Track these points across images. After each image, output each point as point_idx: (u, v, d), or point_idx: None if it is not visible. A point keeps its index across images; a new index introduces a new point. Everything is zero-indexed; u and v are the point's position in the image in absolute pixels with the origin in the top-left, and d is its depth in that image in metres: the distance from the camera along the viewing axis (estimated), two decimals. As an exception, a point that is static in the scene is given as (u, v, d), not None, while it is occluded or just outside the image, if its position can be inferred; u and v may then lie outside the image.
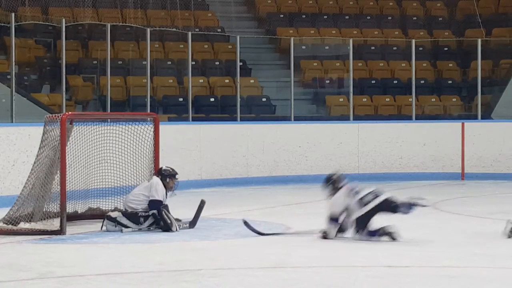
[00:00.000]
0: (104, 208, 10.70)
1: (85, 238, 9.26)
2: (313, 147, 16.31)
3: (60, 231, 9.30)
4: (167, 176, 9.87)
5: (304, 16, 21.82)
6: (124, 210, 9.76)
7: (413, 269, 7.31)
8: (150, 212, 9.56)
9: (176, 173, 9.92)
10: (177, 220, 9.68)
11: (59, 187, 9.54)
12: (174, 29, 18.91)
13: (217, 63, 19.24)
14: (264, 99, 18.40)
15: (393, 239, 8.70)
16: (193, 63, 17.28)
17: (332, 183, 9.25)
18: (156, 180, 9.81)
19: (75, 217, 10.30)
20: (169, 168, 9.96)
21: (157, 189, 9.67)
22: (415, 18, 22.35)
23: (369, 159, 16.46)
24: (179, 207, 10.18)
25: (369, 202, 8.93)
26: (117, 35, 18.70)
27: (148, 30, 15.80)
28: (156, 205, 9.54)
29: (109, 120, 12.13)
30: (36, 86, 17.36)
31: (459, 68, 20.37)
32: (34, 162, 9.89)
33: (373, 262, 7.65)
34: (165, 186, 9.77)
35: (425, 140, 16.74)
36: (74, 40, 18.01)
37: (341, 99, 18.66)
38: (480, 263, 7.63)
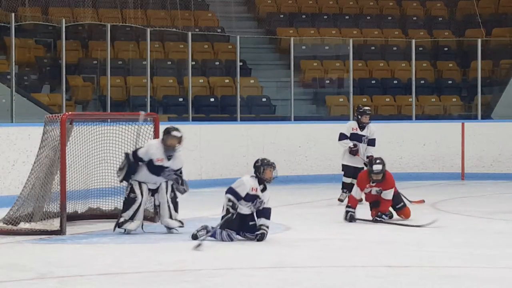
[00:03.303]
0: (104, 208, 10.70)
1: (85, 238, 9.26)
2: (313, 147, 16.30)
3: (60, 231, 9.30)
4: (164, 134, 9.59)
5: (304, 16, 21.82)
6: None
7: (413, 269, 7.31)
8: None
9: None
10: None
11: (59, 187, 9.54)
12: (174, 29, 18.92)
13: (217, 63, 19.24)
14: (264, 99, 18.40)
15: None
16: (193, 63, 17.28)
17: None
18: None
19: (75, 217, 10.29)
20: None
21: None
22: (415, 18, 22.35)
23: (369, 159, 16.45)
24: (180, 207, 10.14)
25: None
26: (117, 35, 18.70)
27: (148, 30, 15.80)
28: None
29: (109, 120, 12.13)
30: (36, 86, 17.36)
31: (459, 68, 20.37)
32: (34, 162, 9.89)
33: (373, 262, 7.65)
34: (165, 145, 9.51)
35: (425, 140, 16.73)
36: (74, 40, 18.01)
37: (341, 99, 18.66)
38: (480, 263, 7.63)
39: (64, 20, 14.30)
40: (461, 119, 17.75)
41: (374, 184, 10.27)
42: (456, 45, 21.14)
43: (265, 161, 9.07)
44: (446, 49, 21.06)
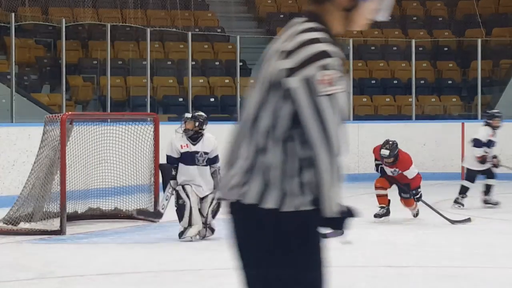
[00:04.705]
0: (104, 208, 10.71)
1: (85, 238, 9.26)
2: (313, 147, 16.27)
3: (60, 231, 9.30)
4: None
5: (304, 16, 21.81)
6: None
7: (413, 269, 7.31)
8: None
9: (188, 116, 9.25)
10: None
11: (59, 187, 9.54)
12: (174, 29, 18.92)
13: (217, 63, 19.24)
14: (264, 99, 18.37)
15: None
16: (193, 63, 17.28)
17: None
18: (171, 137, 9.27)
19: (75, 217, 10.30)
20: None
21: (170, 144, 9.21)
22: (415, 18, 22.35)
23: (369, 159, 16.43)
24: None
25: None
26: (117, 35, 18.70)
27: (148, 30, 15.80)
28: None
29: (109, 120, 12.13)
30: (36, 86, 17.36)
31: (459, 68, 20.38)
32: (34, 162, 9.90)
33: (373, 262, 7.65)
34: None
35: (425, 140, 16.72)
36: (74, 40, 18.01)
37: (341, 99, 18.63)
38: (480, 263, 7.63)
39: (64, 20, 14.30)
40: (461, 119, 17.73)
41: (388, 165, 10.41)
42: (456, 45, 21.14)
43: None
44: (446, 49, 21.06)
